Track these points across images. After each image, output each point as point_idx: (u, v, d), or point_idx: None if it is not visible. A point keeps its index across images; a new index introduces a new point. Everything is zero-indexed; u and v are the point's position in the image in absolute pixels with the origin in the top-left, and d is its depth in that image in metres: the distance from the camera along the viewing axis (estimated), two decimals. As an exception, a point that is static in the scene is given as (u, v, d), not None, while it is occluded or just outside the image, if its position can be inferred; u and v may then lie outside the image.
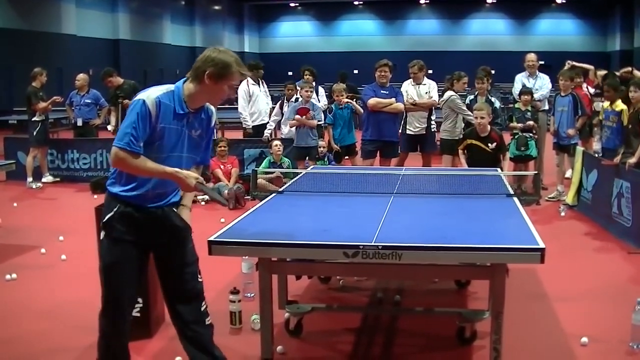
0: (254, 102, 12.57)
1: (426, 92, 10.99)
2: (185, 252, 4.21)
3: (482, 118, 8.86)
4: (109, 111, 13.55)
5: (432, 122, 11.24)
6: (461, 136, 10.55)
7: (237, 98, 12.53)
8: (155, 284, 5.46)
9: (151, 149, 3.93)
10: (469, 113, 10.59)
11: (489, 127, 8.90)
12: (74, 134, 14.09)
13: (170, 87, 4.04)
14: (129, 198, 4.03)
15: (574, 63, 12.75)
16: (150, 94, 3.93)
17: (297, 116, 11.16)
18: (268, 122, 12.54)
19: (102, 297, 4.14)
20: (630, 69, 11.99)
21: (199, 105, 4.11)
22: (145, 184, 4.01)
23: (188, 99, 4.02)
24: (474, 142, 8.89)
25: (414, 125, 10.88)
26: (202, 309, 4.25)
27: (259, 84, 12.80)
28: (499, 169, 8.07)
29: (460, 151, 9.21)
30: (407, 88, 10.90)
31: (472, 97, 11.16)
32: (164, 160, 3.98)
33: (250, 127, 12.64)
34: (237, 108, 12.79)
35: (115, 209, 4.04)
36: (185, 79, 4.07)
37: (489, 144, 8.82)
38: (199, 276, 4.27)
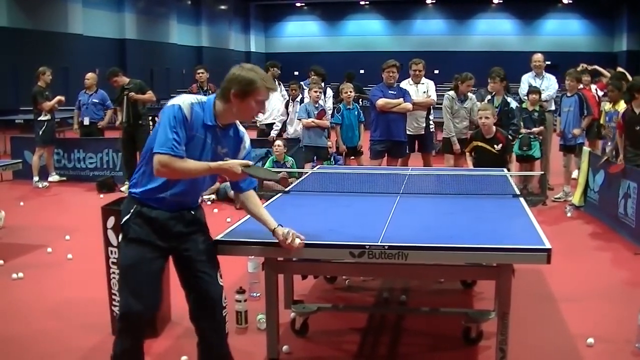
0: (267, 102, 12.56)
1: (424, 92, 10.99)
2: (201, 254, 4.20)
3: (486, 118, 8.81)
4: (115, 111, 13.56)
5: (431, 122, 11.25)
6: (463, 135, 10.61)
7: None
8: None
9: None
10: (448, 119, 10.82)
11: (494, 128, 8.87)
12: (80, 133, 14.10)
13: (202, 98, 4.09)
14: (147, 200, 4.05)
15: (596, 67, 12.72)
16: (185, 100, 3.98)
17: (315, 120, 11.13)
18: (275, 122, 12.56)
19: (120, 300, 4.11)
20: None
21: (229, 122, 4.15)
22: (164, 190, 4.03)
23: (218, 114, 4.06)
24: (479, 144, 8.87)
25: (413, 125, 10.86)
26: (221, 316, 4.25)
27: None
28: (505, 170, 8.07)
29: (467, 153, 9.17)
30: (406, 88, 10.87)
31: (489, 97, 11.09)
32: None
33: (263, 124, 12.70)
34: None
35: (132, 210, 4.07)
36: (215, 95, 4.10)
37: (495, 146, 8.79)
38: (219, 280, 4.25)
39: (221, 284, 4.25)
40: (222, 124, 4.10)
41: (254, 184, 4.40)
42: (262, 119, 12.69)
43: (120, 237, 4.15)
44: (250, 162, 4.08)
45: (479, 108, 9.42)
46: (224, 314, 4.26)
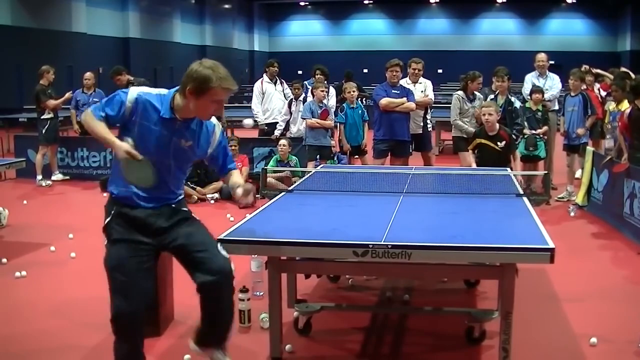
0: (268, 100, 12.67)
1: (422, 91, 10.98)
2: (191, 237, 4.21)
3: (489, 115, 8.79)
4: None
5: (428, 121, 11.25)
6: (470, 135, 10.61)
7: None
8: (163, 282, 5.49)
9: (134, 147, 4.00)
10: (455, 118, 10.80)
11: (497, 125, 8.85)
12: (81, 132, 14.08)
13: (164, 91, 4.12)
14: (125, 199, 4.09)
15: (598, 70, 12.72)
16: (137, 89, 4.08)
17: (319, 120, 11.12)
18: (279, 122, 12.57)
19: (112, 302, 4.08)
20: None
21: (188, 117, 4.13)
22: (128, 185, 4.07)
23: (177, 108, 4.06)
24: (483, 141, 8.85)
25: (411, 125, 10.84)
26: (230, 285, 4.25)
27: (274, 83, 12.83)
28: (508, 169, 8.06)
29: (470, 151, 9.16)
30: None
31: (492, 96, 11.09)
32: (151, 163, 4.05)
33: (263, 123, 12.72)
34: (246, 106, 12.85)
35: (112, 212, 4.10)
36: (176, 89, 4.10)
37: (498, 143, 8.77)
38: (222, 251, 4.22)
39: (225, 255, 4.22)
40: (182, 117, 4.09)
41: (231, 165, 4.54)
42: (261, 119, 12.69)
43: (105, 241, 4.14)
44: (139, 157, 3.97)
45: (482, 105, 9.40)
46: (232, 284, 4.26)
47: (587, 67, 12.82)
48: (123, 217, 4.07)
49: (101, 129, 4.01)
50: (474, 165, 8.90)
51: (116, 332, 4.09)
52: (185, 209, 4.35)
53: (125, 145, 3.97)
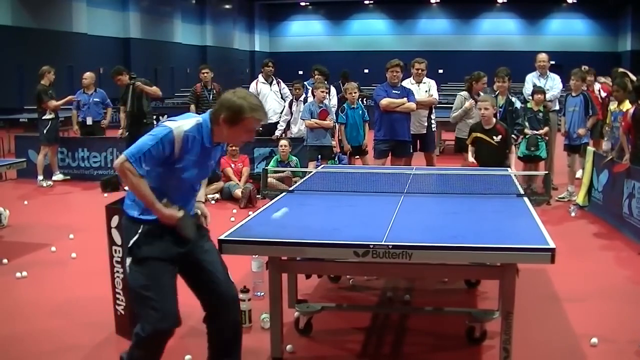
0: (262, 101, 12.50)
1: (426, 91, 10.98)
2: (210, 255, 4.23)
3: (485, 109, 8.77)
4: (119, 109, 13.55)
5: (432, 122, 11.25)
6: None
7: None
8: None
9: (171, 176, 3.99)
10: (456, 115, 11.02)
11: (494, 119, 8.84)
12: (82, 132, 14.10)
13: (197, 119, 4.06)
14: (150, 220, 4.02)
15: (624, 70, 12.70)
16: (181, 126, 3.95)
17: (317, 120, 11.13)
18: (278, 122, 12.55)
19: (144, 322, 4.01)
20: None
21: (221, 142, 4.19)
22: (160, 199, 4.00)
23: (213, 134, 4.06)
24: (479, 135, 8.83)
25: (415, 125, 10.84)
26: (238, 313, 4.31)
27: (270, 83, 12.81)
28: (509, 168, 8.06)
29: (469, 146, 9.14)
30: (407, 87, 10.84)
31: (492, 96, 11.10)
32: (180, 185, 4.06)
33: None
34: None
35: (139, 231, 4.01)
36: (208, 116, 4.08)
37: (494, 137, 8.75)
38: (231, 278, 4.27)
39: (233, 282, 4.27)
40: (216, 142, 4.13)
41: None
42: None
43: (128, 259, 4.07)
44: (183, 213, 4.03)
45: (478, 99, 9.40)
46: (240, 311, 4.32)
47: (621, 70, 12.72)
48: (151, 234, 4.00)
49: (148, 193, 3.92)
50: (471, 159, 8.85)
51: (146, 350, 4.07)
52: (199, 223, 4.35)
53: (174, 215, 3.98)
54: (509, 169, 8.05)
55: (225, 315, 4.24)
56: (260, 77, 12.84)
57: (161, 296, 3.98)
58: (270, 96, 12.71)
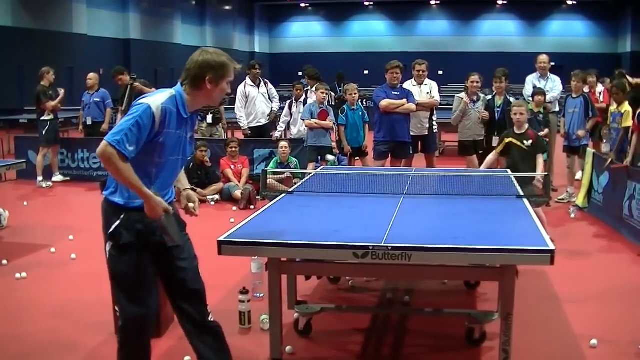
0: (251, 103, 12.51)
1: (427, 92, 10.98)
2: (185, 248, 4.17)
3: (520, 114, 8.73)
4: (117, 110, 13.54)
5: (434, 123, 11.25)
6: (477, 137, 10.87)
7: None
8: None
9: (153, 153, 3.89)
10: (453, 119, 11.08)
11: (526, 125, 8.82)
12: (84, 133, 14.13)
13: (170, 91, 3.98)
14: (133, 205, 3.93)
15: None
16: (156, 100, 3.86)
17: (317, 120, 11.13)
18: (267, 124, 12.61)
19: (120, 309, 4.04)
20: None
21: (196, 109, 4.11)
22: (148, 186, 3.90)
23: (187, 104, 4.00)
24: (512, 140, 8.80)
25: (416, 126, 10.84)
26: (207, 308, 4.21)
27: (257, 86, 12.67)
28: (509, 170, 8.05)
29: (494, 152, 9.07)
30: (409, 88, 10.85)
31: (490, 97, 11.14)
32: (163, 164, 3.96)
33: (247, 127, 12.62)
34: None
35: (121, 217, 3.94)
36: (180, 83, 4.03)
37: (524, 141, 8.74)
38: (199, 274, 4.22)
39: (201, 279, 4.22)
40: (191, 112, 4.07)
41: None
42: (244, 124, 12.59)
43: (108, 245, 3.99)
44: (171, 211, 3.97)
45: (513, 104, 9.34)
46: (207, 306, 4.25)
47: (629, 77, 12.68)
48: (132, 221, 3.94)
49: (134, 178, 3.77)
50: (490, 165, 8.82)
51: (127, 339, 4.05)
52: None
53: (162, 204, 3.89)
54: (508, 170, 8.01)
55: (195, 312, 4.16)
56: (248, 80, 12.60)
57: (139, 284, 3.97)
58: (258, 99, 12.57)
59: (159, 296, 4.24)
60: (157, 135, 3.86)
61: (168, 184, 4.10)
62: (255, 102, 12.52)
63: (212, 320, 4.21)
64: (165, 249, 4.04)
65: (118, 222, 3.94)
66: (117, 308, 4.10)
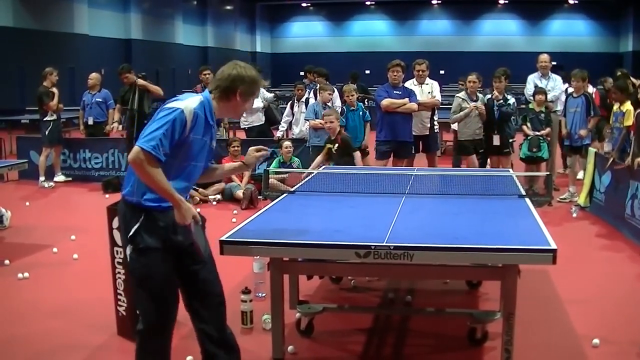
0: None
1: (429, 92, 10.98)
2: (203, 251, 4.14)
3: (330, 123, 9.64)
4: (122, 110, 13.52)
5: (435, 123, 11.25)
6: (476, 136, 10.92)
7: None
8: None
9: (177, 157, 3.87)
10: (455, 118, 11.14)
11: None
12: (86, 133, 14.14)
13: (200, 97, 3.98)
14: (153, 207, 3.89)
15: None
16: (188, 105, 3.86)
17: (321, 120, 11.13)
18: (262, 124, 12.67)
19: (141, 313, 4.03)
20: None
21: (220, 118, 4.15)
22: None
23: (215, 111, 4.03)
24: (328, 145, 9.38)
25: (417, 126, 10.83)
26: (224, 315, 4.21)
27: None
28: (510, 169, 8.06)
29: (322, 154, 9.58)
30: (410, 88, 10.84)
31: (489, 96, 11.15)
32: (186, 169, 3.95)
33: (246, 128, 12.72)
34: None
35: (140, 219, 3.89)
36: (209, 92, 4.05)
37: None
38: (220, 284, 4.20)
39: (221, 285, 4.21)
40: (217, 120, 4.13)
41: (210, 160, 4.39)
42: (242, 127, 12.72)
43: (128, 248, 3.96)
44: (199, 220, 3.97)
45: (323, 113, 9.71)
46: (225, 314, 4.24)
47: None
48: (153, 223, 3.90)
49: (163, 183, 3.75)
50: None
51: (150, 342, 4.04)
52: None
53: (191, 210, 3.88)
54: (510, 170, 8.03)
55: (212, 318, 4.16)
56: None
57: (161, 288, 3.95)
58: (255, 102, 12.62)
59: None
60: (184, 140, 3.86)
61: (185, 189, 4.06)
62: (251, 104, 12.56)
63: (229, 331, 4.22)
64: (185, 251, 4.02)
65: (137, 225, 3.90)
66: (137, 311, 4.06)
